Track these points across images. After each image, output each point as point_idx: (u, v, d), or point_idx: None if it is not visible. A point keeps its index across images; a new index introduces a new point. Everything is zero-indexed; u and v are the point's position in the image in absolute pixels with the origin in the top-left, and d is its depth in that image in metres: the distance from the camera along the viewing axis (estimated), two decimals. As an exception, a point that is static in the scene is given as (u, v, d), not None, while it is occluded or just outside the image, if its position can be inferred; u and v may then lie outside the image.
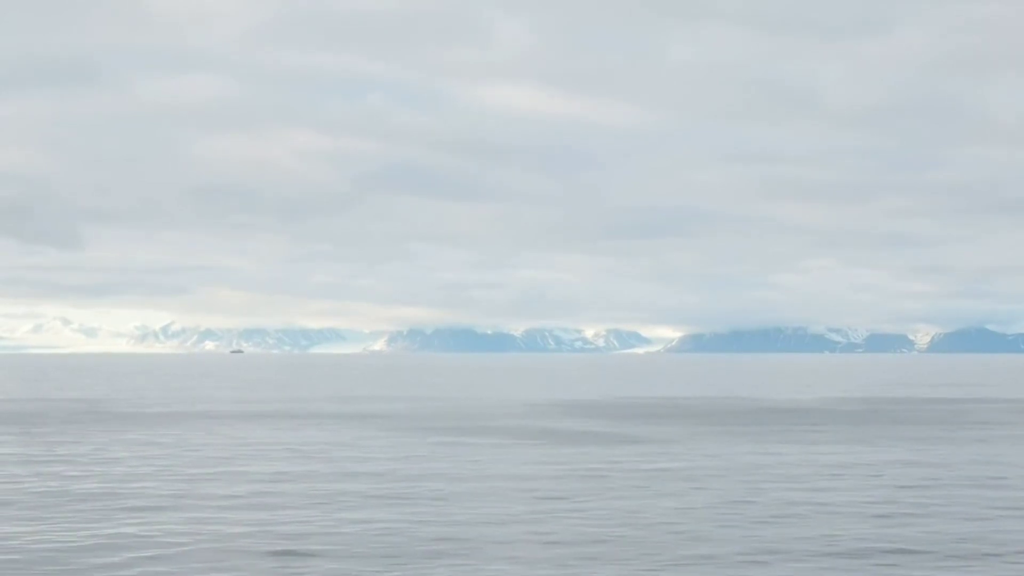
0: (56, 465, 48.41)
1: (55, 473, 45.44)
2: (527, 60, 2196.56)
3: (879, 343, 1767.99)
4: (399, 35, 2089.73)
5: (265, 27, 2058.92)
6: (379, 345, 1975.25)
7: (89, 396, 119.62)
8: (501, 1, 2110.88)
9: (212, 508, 36.05)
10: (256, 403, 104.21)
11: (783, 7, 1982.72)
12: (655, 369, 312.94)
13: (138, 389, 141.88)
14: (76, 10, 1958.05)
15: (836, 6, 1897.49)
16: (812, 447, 58.84)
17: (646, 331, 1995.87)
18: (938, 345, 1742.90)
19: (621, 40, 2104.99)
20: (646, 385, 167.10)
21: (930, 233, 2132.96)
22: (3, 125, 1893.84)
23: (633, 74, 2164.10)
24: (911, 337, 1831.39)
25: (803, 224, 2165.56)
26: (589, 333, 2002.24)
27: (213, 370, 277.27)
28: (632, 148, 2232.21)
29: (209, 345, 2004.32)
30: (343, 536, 31.13)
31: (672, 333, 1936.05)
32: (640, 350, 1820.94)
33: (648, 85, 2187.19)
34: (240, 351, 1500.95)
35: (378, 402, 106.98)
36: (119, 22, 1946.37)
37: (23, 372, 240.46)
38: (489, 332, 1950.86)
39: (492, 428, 71.98)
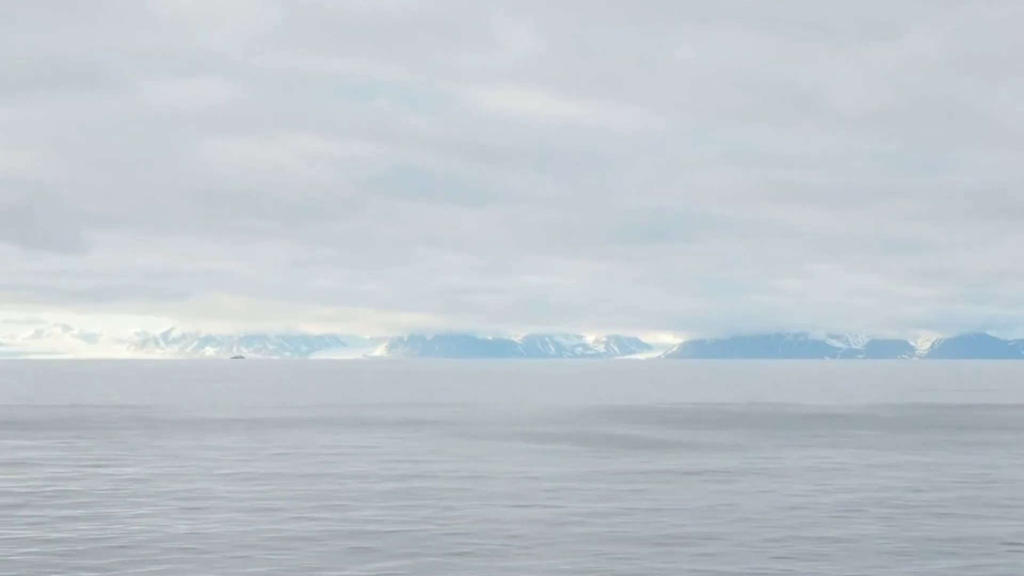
0: (181, 467, 48.89)
1: (180, 474, 45.80)
2: (533, 63, 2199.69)
3: (880, 349, 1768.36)
4: (405, 39, 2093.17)
5: (271, 31, 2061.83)
6: (379, 351, 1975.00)
7: (129, 402, 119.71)
8: (507, 4, 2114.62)
9: (363, 506, 36.65)
10: (298, 409, 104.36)
11: (791, 10, 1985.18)
12: (667, 374, 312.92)
13: (170, 395, 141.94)
14: (81, 13, 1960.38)
15: (844, 9, 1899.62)
16: (898, 452, 59.07)
17: (647, 337, 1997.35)
18: (939, 351, 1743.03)
19: (628, 43, 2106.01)
20: (669, 390, 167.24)
21: (934, 237, 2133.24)
22: (7, 128, 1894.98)
23: (640, 77, 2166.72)
24: (912, 343, 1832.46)
25: (807, 228, 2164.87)
26: (590, 339, 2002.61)
27: (225, 376, 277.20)
28: (638, 151, 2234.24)
29: (209, 351, 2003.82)
30: (507, 530, 31.55)
31: (673, 339, 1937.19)
32: (641, 356, 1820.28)
33: (655, 88, 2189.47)
34: (241, 357, 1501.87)
35: (419, 408, 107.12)
36: (125, 25, 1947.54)
37: (41, 379, 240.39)
38: (490, 338, 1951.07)
39: (555, 434, 72.23)
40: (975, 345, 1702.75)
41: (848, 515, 36.63)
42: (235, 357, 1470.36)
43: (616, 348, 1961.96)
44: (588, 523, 34.45)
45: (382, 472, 48.52)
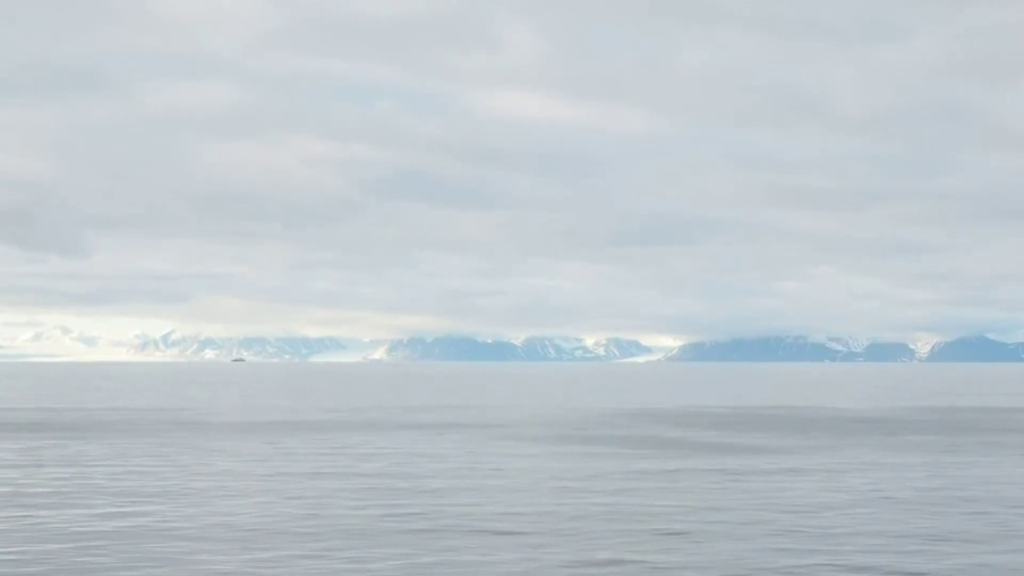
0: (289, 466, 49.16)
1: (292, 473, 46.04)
2: (536, 66, 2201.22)
3: (879, 352, 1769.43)
4: (408, 41, 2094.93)
5: (274, 33, 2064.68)
6: (379, 353, 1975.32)
7: (162, 405, 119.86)
8: (509, 7, 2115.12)
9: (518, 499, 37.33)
10: (332, 411, 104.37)
11: (795, 12, 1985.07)
12: (675, 377, 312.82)
13: (194, 398, 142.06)
14: (83, 15, 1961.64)
15: (848, 11, 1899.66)
16: (957, 453, 59.29)
17: (646, 339, 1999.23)
18: (938, 354, 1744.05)
19: (631, 45, 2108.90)
20: (690, 393, 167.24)
21: (935, 240, 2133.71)
22: (8, 130, 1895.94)
23: (643, 79, 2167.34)
24: (911, 346, 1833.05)
25: (809, 231, 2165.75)
26: (589, 342, 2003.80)
27: (235, 378, 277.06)
28: (641, 154, 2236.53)
29: (209, 354, 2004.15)
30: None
31: (672, 342, 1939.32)
32: (640, 359, 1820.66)
33: (658, 90, 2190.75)
34: (242, 359, 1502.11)
35: (451, 410, 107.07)
36: (126, 27, 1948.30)
37: (53, 381, 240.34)
38: (489, 341, 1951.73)
39: (609, 437, 72.44)
40: (975, 348, 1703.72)
41: (945, 510, 37.32)
42: (235, 360, 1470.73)
43: (616, 351, 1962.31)
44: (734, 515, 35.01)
45: (484, 470, 49.23)
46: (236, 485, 44.38)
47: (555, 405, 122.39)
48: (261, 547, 30.62)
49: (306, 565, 28.35)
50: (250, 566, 28.18)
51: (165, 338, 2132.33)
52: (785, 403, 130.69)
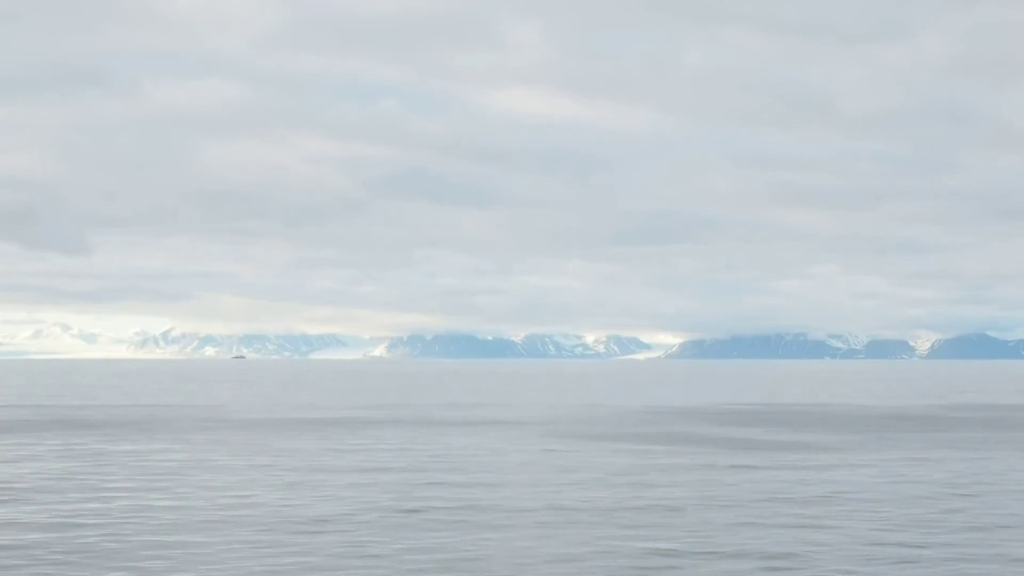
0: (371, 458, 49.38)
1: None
2: (540, 65, 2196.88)
3: (879, 349, 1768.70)
4: (412, 40, 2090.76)
5: (277, 31, 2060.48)
6: (379, 351, 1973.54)
7: (190, 403, 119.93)
8: (514, 6, 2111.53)
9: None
10: (369, 409, 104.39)
11: (801, 11, 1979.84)
12: (686, 375, 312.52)
13: (218, 395, 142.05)
14: (87, 14, 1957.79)
15: (854, 11, 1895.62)
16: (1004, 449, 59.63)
17: (646, 337, 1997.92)
18: (939, 351, 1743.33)
19: (634, 44, 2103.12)
20: (709, 390, 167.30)
21: (937, 239, 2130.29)
22: (11, 128, 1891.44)
23: (647, 78, 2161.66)
24: (912, 343, 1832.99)
25: (811, 230, 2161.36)
26: (589, 339, 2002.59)
27: (242, 376, 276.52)
28: (645, 153, 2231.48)
29: (209, 351, 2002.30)
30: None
31: (672, 339, 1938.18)
32: (640, 356, 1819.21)
33: (662, 89, 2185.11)
34: (243, 357, 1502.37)
35: (488, 408, 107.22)
36: (130, 26, 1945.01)
37: (63, 379, 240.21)
38: (489, 338, 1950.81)
39: (656, 435, 72.65)
40: (975, 346, 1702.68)
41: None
42: (236, 357, 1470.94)
43: (616, 348, 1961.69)
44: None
45: (545, 465, 49.25)
46: (321, 479, 44.86)
47: (579, 403, 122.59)
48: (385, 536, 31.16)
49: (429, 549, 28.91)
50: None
51: (165, 335, 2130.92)
52: (808, 400, 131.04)
